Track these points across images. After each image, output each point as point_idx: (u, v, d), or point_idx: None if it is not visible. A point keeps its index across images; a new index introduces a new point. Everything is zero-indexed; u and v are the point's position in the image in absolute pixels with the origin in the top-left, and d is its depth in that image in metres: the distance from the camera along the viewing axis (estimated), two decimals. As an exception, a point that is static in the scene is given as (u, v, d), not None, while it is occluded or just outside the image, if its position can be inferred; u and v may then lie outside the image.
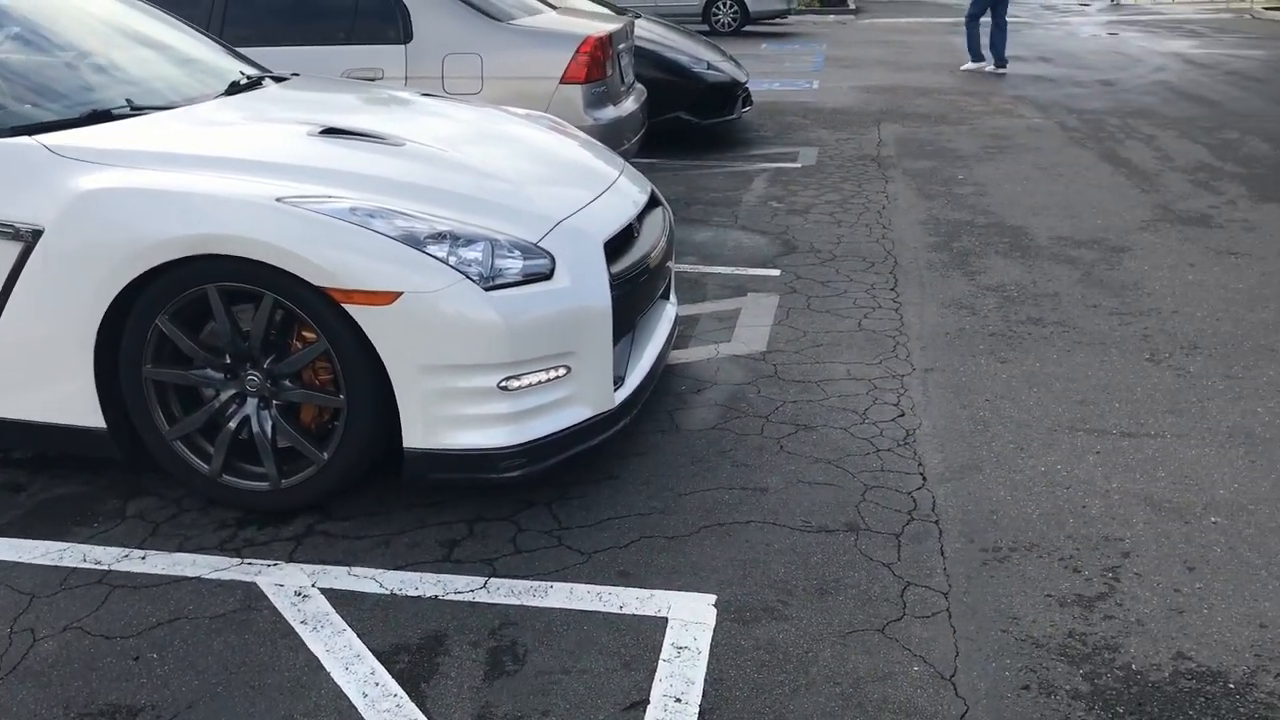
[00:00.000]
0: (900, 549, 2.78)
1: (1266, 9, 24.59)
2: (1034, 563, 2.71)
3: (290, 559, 2.78)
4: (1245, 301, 4.65)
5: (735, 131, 9.17)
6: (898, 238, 5.79)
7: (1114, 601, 2.54)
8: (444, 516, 2.97)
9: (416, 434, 2.83)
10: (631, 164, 6.58)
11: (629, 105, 6.14)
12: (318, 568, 2.74)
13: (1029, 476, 3.15)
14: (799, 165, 7.82)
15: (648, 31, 8.53)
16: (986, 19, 13.22)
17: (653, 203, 3.82)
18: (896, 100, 11.00)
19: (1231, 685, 2.25)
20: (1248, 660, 2.33)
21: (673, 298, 3.99)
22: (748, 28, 19.83)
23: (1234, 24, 21.65)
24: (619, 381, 3.17)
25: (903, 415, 3.58)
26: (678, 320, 3.98)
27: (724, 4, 19.60)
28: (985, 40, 13.28)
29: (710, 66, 8.43)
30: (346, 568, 2.74)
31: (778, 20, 20.88)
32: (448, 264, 2.78)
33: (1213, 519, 2.90)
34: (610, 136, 5.67)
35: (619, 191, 3.54)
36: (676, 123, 8.28)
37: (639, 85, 6.77)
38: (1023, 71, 13.49)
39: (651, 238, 3.53)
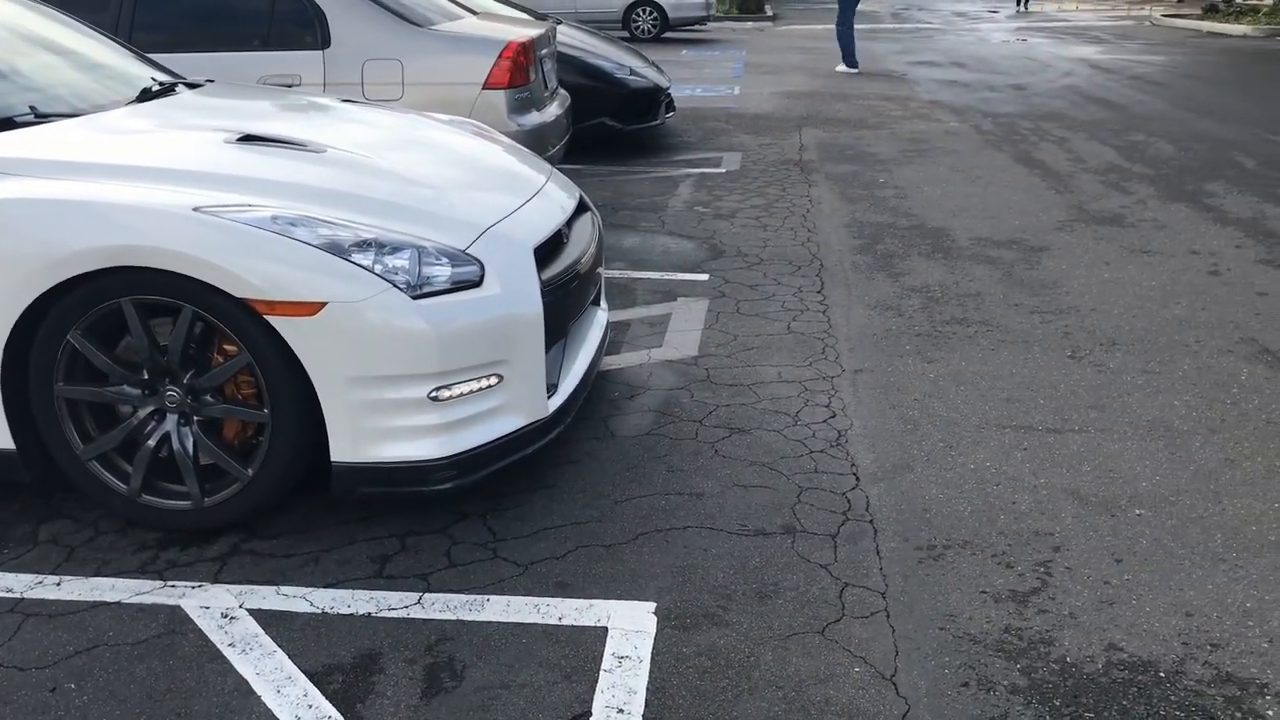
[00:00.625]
0: (837, 550, 2.79)
1: (1165, 16, 25.50)
2: (968, 560, 2.74)
3: (216, 580, 2.69)
4: (1159, 298, 4.79)
5: (659, 137, 9.19)
6: (823, 241, 5.84)
7: (1047, 595, 2.58)
8: (375, 531, 2.90)
9: (344, 447, 2.76)
10: (558, 170, 6.53)
11: (553, 110, 6.10)
12: (245, 588, 2.65)
13: (959, 474, 3.19)
14: (723, 170, 7.86)
15: (571, 38, 8.51)
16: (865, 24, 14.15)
17: (581, 208, 3.79)
18: (816, 105, 11.14)
19: (1162, 674, 2.30)
20: (1176, 649, 2.38)
21: (604, 304, 3.97)
22: (668, 34, 19.93)
23: (1135, 31, 22.40)
24: (552, 389, 3.14)
25: (834, 416, 3.60)
26: (609, 326, 3.96)
27: (644, 10, 19.68)
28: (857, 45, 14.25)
29: (633, 72, 8.43)
30: (275, 587, 2.65)
31: (697, 27, 21.05)
32: (373, 272, 2.71)
33: (1137, 511, 2.97)
34: (535, 142, 5.62)
35: (547, 197, 3.51)
36: (601, 128, 8.26)
37: (562, 91, 6.74)
38: (938, 77, 13.77)
39: (581, 244, 3.51)
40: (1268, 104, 11.01)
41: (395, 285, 2.72)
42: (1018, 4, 31.06)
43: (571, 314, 3.35)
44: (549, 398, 3.08)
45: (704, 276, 5.21)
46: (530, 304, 2.95)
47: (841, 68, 14.34)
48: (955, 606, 2.54)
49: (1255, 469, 3.20)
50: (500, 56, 5.42)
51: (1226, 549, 2.77)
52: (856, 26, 15.37)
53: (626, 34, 19.45)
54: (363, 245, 2.76)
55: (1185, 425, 3.51)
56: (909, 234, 5.96)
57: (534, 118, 5.68)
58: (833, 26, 15.62)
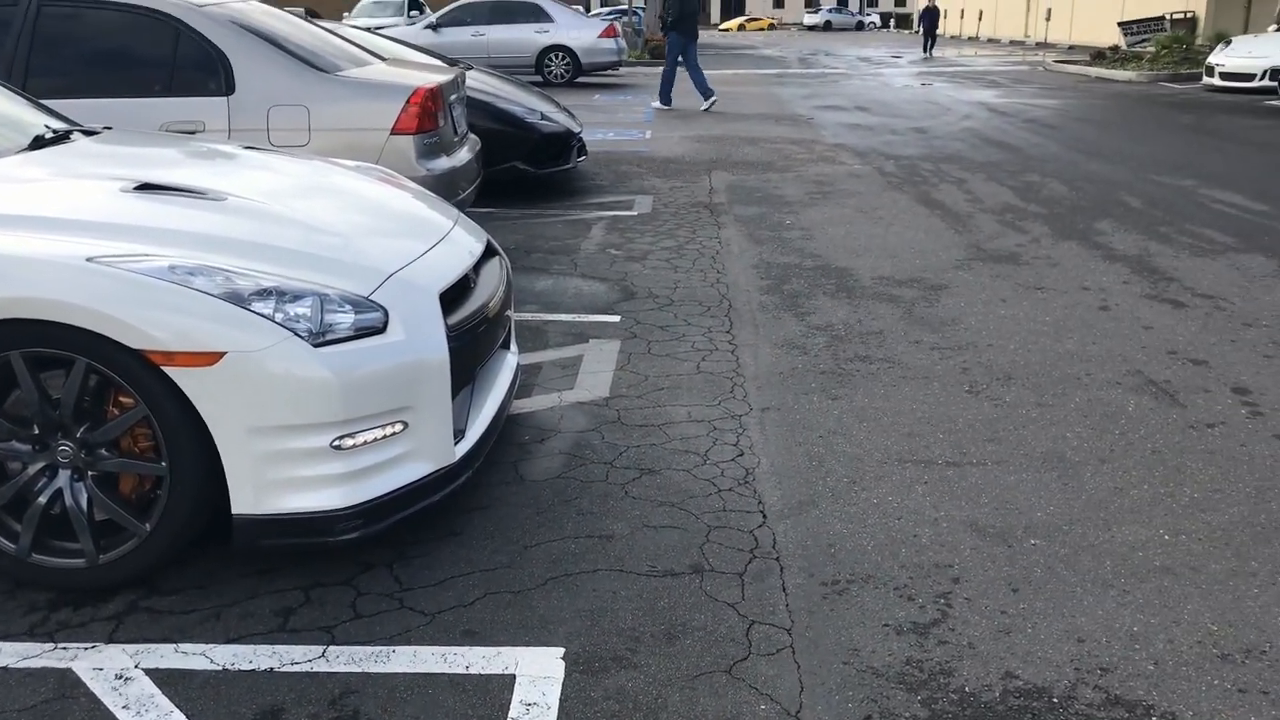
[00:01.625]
0: (744, 588, 2.82)
1: (1057, 62, 26.62)
2: (871, 593, 2.80)
3: (110, 640, 2.61)
4: (1052, 333, 4.97)
5: (572, 180, 9.26)
6: (731, 281, 5.94)
7: (947, 627, 2.65)
8: (278, 584, 2.85)
9: (246, 499, 2.71)
10: (469, 213, 6.54)
11: (463, 155, 6.12)
12: (141, 647, 2.58)
13: (863, 509, 3.26)
14: (635, 213, 7.96)
15: (482, 83, 8.56)
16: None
17: (489, 252, 3.81)
18: (725, 149, 11.35)
19: (1055, 699, 2.37)
20: (1069, 674, 2.46)
21: (513, 347, 3.97)
22: (580, 79, 20.17)
23: (1030, 75, 23.34)
24: (460, 434, 3.13)
25: (742, 455, 3.66)
26: (519, 369, 3.96)
27: (557, 55, 19.90)
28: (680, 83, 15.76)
29: (544, 117, 8.51)
30: (174, 645, 2.59)
31: (609, 72, 21.33)
32: (274, 321, 2.69)
33: (1032, 541, 3.06)
34: (445, 187, 5.63)
35: (454, 242, 3.52)
36: (513, 172, 8.31)
37: (473, 135, 6.77)
38: (843, 120, 14.16)
39: (489, 287, 3.52)
40: (1152, 146, 11.55)
41: (296, 333, 2.70)
42: (925, 49, 32.18)
43: (479, 358, 3.35)
44: (456, 444, 3.07)
45: (616, 318, 5.26)
46: (435, 350, 2.95)
47: (703, 105, 15.44)
48: (859, 641, 2.59)
49: (1142, 496, 3.33)
50: (408, 102, 5.43)
51: (1115, 575, 2.88)
52: (766, 72, 16.21)
53: (540, 78, 19.62)
54: (263, 294, 2.73)
55: (1077, 456, 3.64)
56: (814, 274, 6.09)
57: (443, 163, 5.69)
58: (742, 71, 16.39)
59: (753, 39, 51.28)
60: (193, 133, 5.21)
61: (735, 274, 6.11)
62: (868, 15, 72.37)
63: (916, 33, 37.75)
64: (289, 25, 5.88)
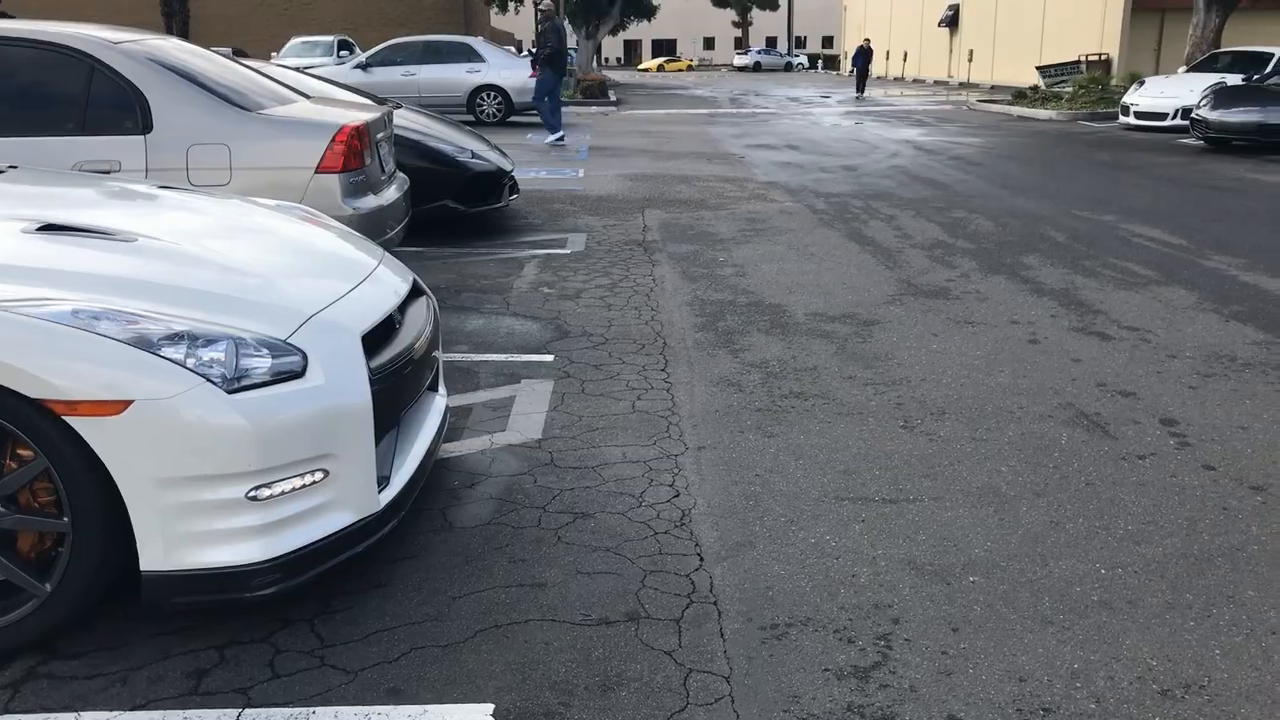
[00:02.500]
0: (681, 634, 2.74)
1: (981, 101, 27.32)
2: (810, 637, 2.73)
3: (6, 710, 2.43)
4: (984, 367, 5.00)
5: (504, 219, 9.19)
6: (666, 319, 5.90)
7: (887, 670, 2.59)
8: (192, 644, 2.69)
9: (155, 555, 2.57)
10: (398, 253, 6.42)
11: (391, 194, 6.02)
12: (41, 716, 2.41)
13: (801, 549, 3.20)
14: (568, 251, 7.90)
15: (411, 122, 8.47)
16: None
17: (416, 292, 3.71)
18: (659, 187, 11.38)
19: (999, 742, 2.32)
20: (1011, 715, 2.41)
21: (442, 389, 3.87)
22: (513, 118, 20.14)
23: (955, 114, 23.90)
24: (384, 482, 3.02)
25: (678, 496, 3.58)
26: (448, 412, 3.86)
27: (489, 95, 19.88)
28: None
29: (475, 155, 8.44)
30: (75, 714, 2.42)
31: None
32: (185, 366, 2.56)
33: (971, 578, 3.03)
34: (372, 226, 5.52)
35: (378, 282, 3.42)
36: (444, 211, 8.21)
37: (400, 174, 6.67)
38: (774, 159, 14.31)
39: (415, 328, 3.42)
40: (1073, 182, 11.84)
41: (209, 379, 2.58)
42: (859, 90, 32.56)
43: (404, 401, 3.25)
44: (380, 491, 2.96)
45: (549, 357, 5.17)
46: (357, 394, 2.84)
47: (549, 139, 15.97)
48: (799, 687, 2.52)
49: (1078, 530, 3.32)
50: (333, 140, 5.32)
51: (1054, 611, 2.85)
52: (698, 111, 16.66)
53: (472, 118, 19.57)
54: (174, 338, 2.61)
55: (1012, 490, 3.63)
56: (748, 311, 6.08)
57: (370, 201, 5.59)
58: (674, 111, 16.74)
59: (684, 79, 51.91)
60: (108, 172, 5.04)
61: (669, 311, 6.07)
62: (796, 56, 73.73)
63: (850, 74, 37.94)
64: (210, 63, 5.75)
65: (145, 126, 5.14)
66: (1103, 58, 29.85)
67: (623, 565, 3.10)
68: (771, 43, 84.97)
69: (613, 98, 28.43)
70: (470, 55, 20.29)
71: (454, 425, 4.21)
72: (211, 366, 2.61)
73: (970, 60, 39.53)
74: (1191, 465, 3.83)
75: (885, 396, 4.59)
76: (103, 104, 5.15)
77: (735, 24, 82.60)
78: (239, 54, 27.65)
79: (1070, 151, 15.51)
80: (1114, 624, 2.79)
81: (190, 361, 2.59)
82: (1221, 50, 20.78)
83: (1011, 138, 17.76)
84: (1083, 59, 29.55)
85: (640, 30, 73.99)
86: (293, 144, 5.32)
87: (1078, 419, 4.31)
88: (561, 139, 15.91)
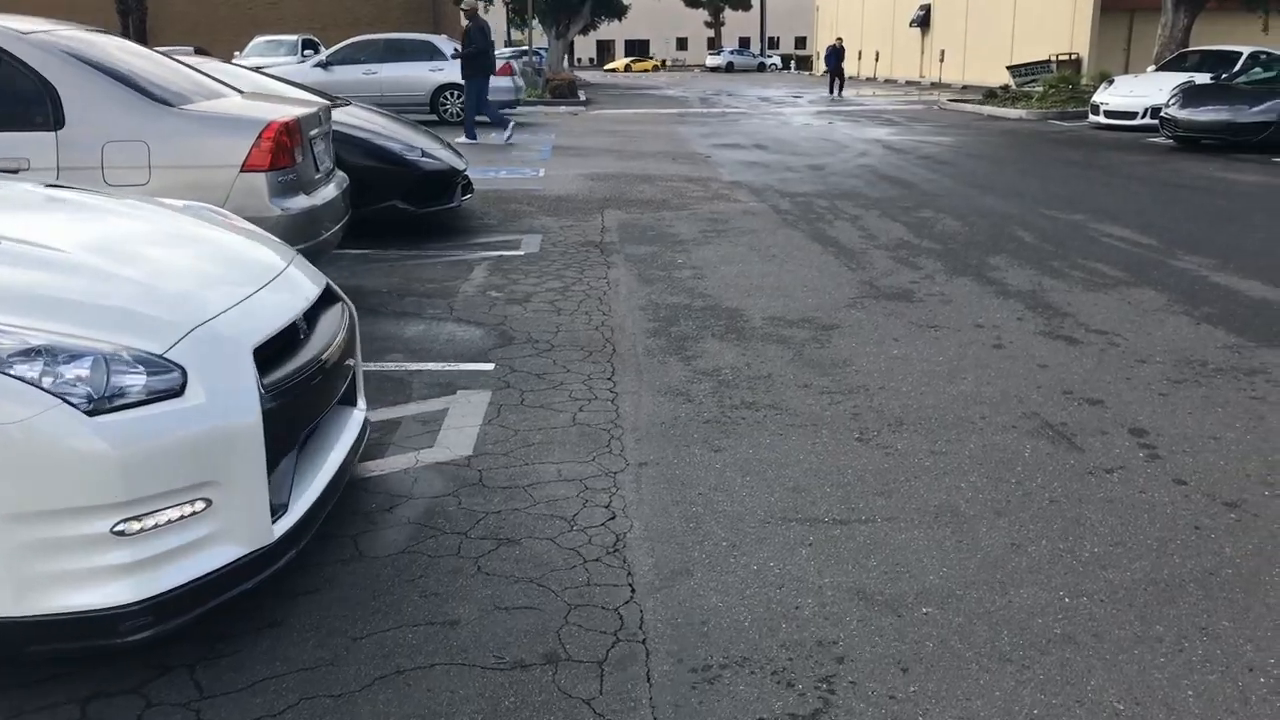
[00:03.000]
0: (603, 679, 2.47)
1: (952, 100, 27.24)
2: (745, 680, 2.47)
3: None
4: (945, 374, 4.76)
5: (458, 220, 8.90)
6: (617, 324, 5.64)
7: (829, 718, 2.34)
8: (50, 697, 2.40)
9: (5, 600, 2.27)
10: (341, 254, 6.14)
11: (327, 193, 5.72)
12: None
13: (741, 578, 2.94)
14: (522, 253, 7.63)
15: (359, 119, 8.16)
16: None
17: (329, 298, 3.43)
18: (620, 187, 11.12)
19: (949, 804, 2.07)
20: (964, 771, 2.16)
21: (360, 402, 3.59)
22: (478, 117, 19.79)
23: (924, 114, 23.79)
24: (281, 509, 2.73)
25: (614, 518, 3.32)
26: (367, 427, 3.58)
27: (452, 94, 19.53)
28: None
29: (425, 154, 8.14)
30: (-93, 783, 2.13)
31: (507, 110, 21.00)
32: (40, 387, 2.27)
33: (924, 610, 2.78)
34: (303, 227, 5.24)
35: (282, 288, 3.13)
36: (393, 212, 7.91)
37: (340, 172, 6.37)
38: (740, 158, 14.08)
39: (325, 337, 3.14)
40: (1043, 181, 11.67)
41: (68, 400, 2.29)
42: (831, 90, 32.20)
43: (308, 419, 2.97)
44: (276, 520, 2.68)
45: (489, 366, 4.90)
46: (246, 413, 2.56)
47: (463, 139, 15.36)
48: (730, 739, 2.26)
49: (1040, 554, 3.08)
50: (260, 137, 5.02)
51: (1014, 647, 2.61)
52: (667, 111, 16.37)
53: (435, 117, 19.25)
54: (29, 354, 2.32)
55: (971, 509, 3.38)
56: (704, 315, 5.82)
57: (301, 201, 5.28)
58: (644, 111, 16.43)
59: (656, 80, 51.70)
60: (15, 170, 4.72)
61: (621, 316, 5.81)
62: (769, 57, 73.66)
63: (823, 75, 37.27)
64: (132, 56, 5.44)
65: (57, 122, 4.82)
66: (1073, 57, 29.85)
67: (546, 599, 2.83)
68: (745, 43, 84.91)
69: (582, 97, 28.13)
70: (433, 53, 19.97)
71: (378, 441, 3.92)
72: (74, 386, 2.32)
73: (941, 60, 39.51)
74: (1162, 479, 3.60)
75: (841, 406, 4.34)
76: (9, 98, 4.83)
77: (708, 24, 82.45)
78: (201, 53, 27.21)
79: (1040, 150, 15.38)
80: (1078, 661, 2.55)
81: (47, 381, 2.30)
82: (1190, 49, 20.76)
83: (981, 137, 17.63)
84: (1053, 58, 29.53)
85: (613, 30, 73.68)
86: (217, 141, 5.01)
87: (1043, 429, 4.08)
88: (474, 144, 15.24)
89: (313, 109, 5.70)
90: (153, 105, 4.96)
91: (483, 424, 4.14)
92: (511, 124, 15.88)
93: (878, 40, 48.05)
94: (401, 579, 2.93)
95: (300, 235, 5.24)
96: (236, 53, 29.70)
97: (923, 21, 43.04)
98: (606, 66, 74.30)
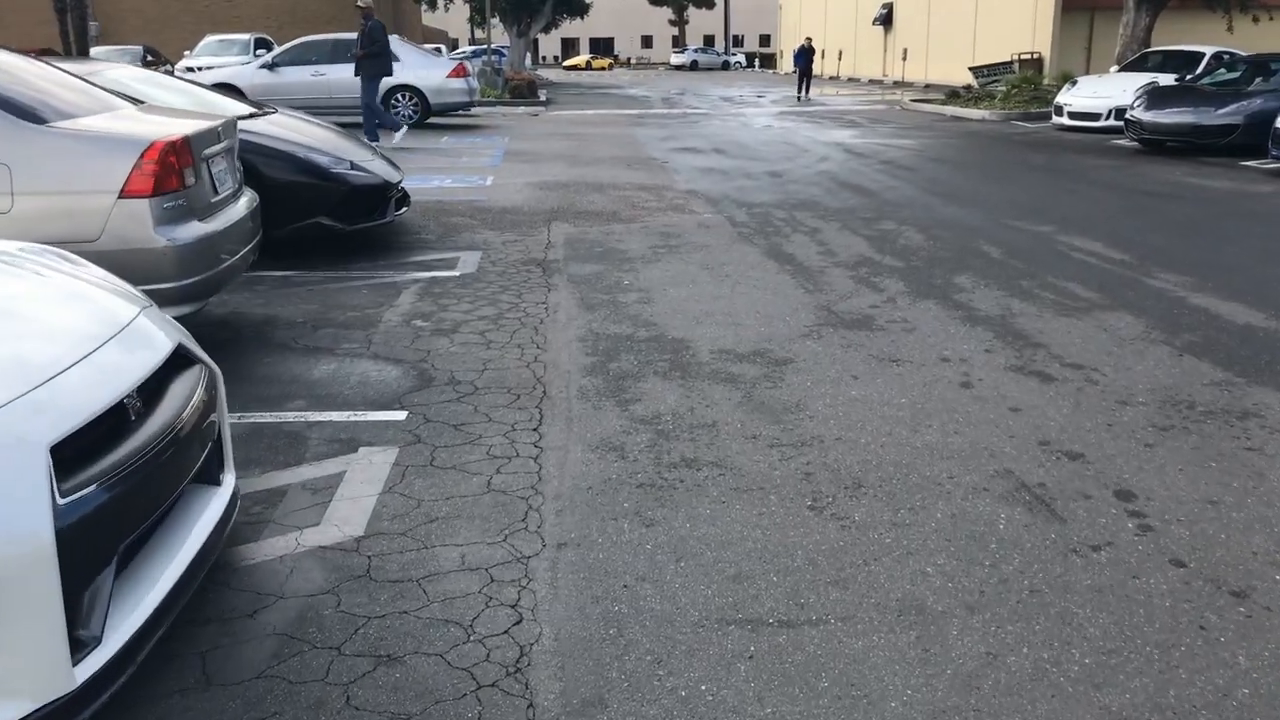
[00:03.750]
0: None
1: (914, 101, 26.93)
2: None
3: None
4: (909, 420, 4.29)
5: (392, 235, 8.35)
6: (551, 360, 5.12)
7: None
8: None
9: None
10: (254, 277, 5.56)
11: (230, 216, 5.15)
12: None
13: (665, 709, 2.44)
14: (457, 274, 7.09)
15: (282, 128, 7.59)
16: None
17: (182, 360, 2.89)
18: (571, 197, 10.60)
19: None
20: None
21: (226, 476, 3.06)
22: (432, 120, 19.18)
23: (887, 115, 23.44)
24: (90, 644, 2.20)
25: (520, 622, 2.80)
26: (236, 503, 3.05)
27: (404, 96, 18.89)
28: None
29: (354, 166, 7.58)
30: None
31: (461, 112, 20.40)
32: None
33: (884, 752, 2.29)
34: (197, 257, 4.68)
35: (116, 352, 2.60)
36: (319, 229, 7.35)
37: (249, 191, 5.79)
38: (698, 164, 13.60)
39: (171, 410, 2.62)
40: (1007, 188, 11.28)
41: None
42: (799, 92, 31.58)
43: (140, 516, 2.44)
44: (80, 661, 2.15)
45: (401, 415, 4.36)
46: (29, 536, 2.03)
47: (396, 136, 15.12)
48: None
49: (1021, 668, 2.60)
50: (141, 158, 4.45)
51: (993, 809, 2.12)
52: (628, 112, 15.91)
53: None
54: None
55: (940, 604, 2.90)
56: (647, 347, 5.32)
57: (194, 229, 4.71)
58: (603, 111, 15.97)
59: (619, 79, 51.14)
60: None
61: (557, 350, 5.29)
62: (733, 55, 73.31)
63: (792, 72, 36.55)
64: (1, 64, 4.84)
65: (-102, 143, 4.23)
66: (1035, 57, 29.64)
67: (424, 744, 2.31)
68: (709, 41, 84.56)
69: (542, 97, 27.54)
70: (383, 54, 19.26)
71: (256, 519, 3.38)
72: None
73: (904, 59, 39.26)
74: (1156, 560, 3.14)
75: (792, 464, 3.85)
76: None
77: (672, 22, 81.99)
78: (150, 53, 26.29)
79: (1004, 154, 15.02)
80: (1072, 828, 2.07)
81: None
82: (1152, 49, 20.54)
83: (944, 139, 17.26)
84: (1015, 58, 29.31)
85: (577, 28, 73.01)
86: (92, 163, 4.45)
87: (1018, 492, 3.61)
88: (376, 140, 14.29)
89: (209, 124, 5.12)
90: (14, 123, 4.38)
91: (382, 492, 3.61)
92: (379, 144, 15.12)
93: (841, 39, 47.79)
94: (250, 715, 2.40)
95: (194, 267, 4.69)
96: (187, 52, 28.90)
97: (885, 20, 42.81)
98: (567, 63, 73.72)
